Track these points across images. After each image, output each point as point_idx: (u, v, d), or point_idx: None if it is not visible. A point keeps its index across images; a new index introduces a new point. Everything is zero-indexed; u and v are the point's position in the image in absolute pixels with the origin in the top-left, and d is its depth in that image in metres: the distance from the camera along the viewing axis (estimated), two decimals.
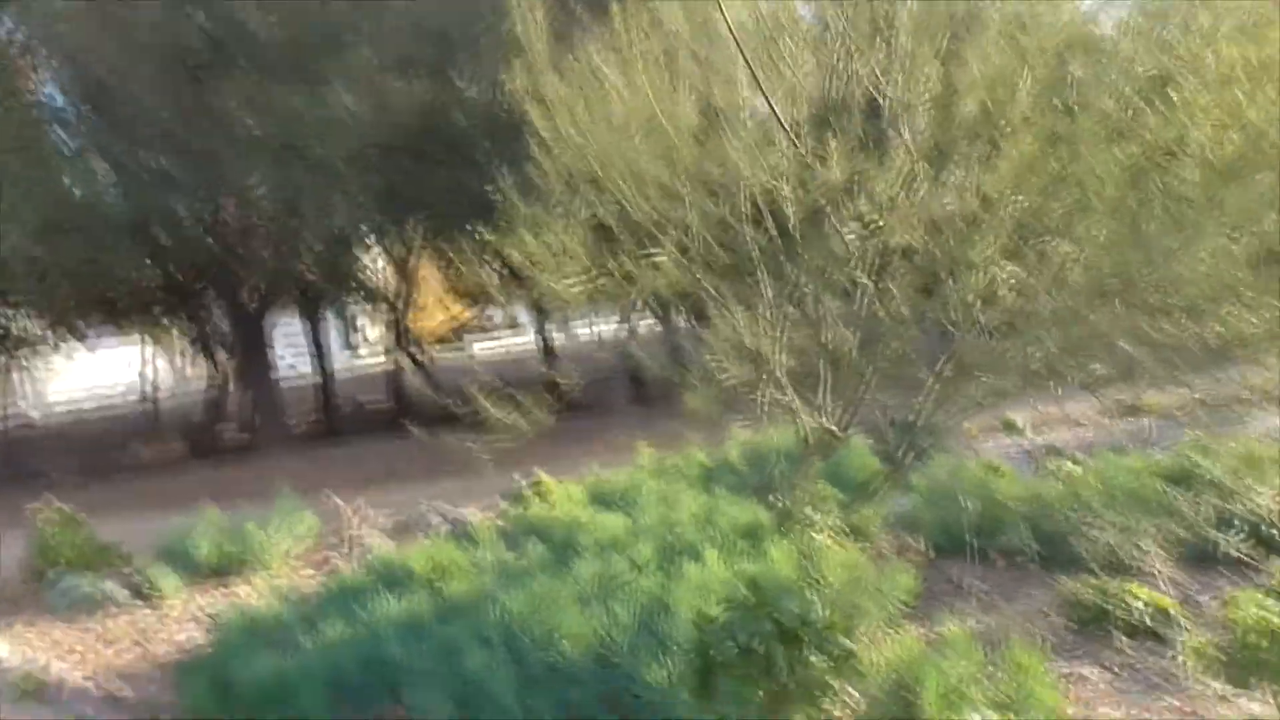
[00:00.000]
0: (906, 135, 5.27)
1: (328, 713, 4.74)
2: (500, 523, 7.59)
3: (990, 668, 3.95)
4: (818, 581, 5.14)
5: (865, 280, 5.52)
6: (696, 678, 3.34)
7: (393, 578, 5.74)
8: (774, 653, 3.07)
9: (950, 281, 5.52)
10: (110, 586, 7.52)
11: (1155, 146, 4.66)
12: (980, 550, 6.30)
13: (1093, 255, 4.70)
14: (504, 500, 9.82)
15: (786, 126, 5.28)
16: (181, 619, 6.97)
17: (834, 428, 6.00)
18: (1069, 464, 7.84)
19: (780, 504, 5.88)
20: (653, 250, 6.04)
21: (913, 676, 3.78)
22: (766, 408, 5.80)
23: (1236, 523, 5.61)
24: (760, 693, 3.10)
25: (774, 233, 5.96)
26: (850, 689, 3.14)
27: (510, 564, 5.57)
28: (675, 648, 4.33)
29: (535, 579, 5.05)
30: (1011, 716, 3.04)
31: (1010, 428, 11.22)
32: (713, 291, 6.03)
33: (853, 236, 5.49)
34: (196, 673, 5.15)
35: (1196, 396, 9.83)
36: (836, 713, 3.13)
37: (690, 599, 4.55)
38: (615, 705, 4.34)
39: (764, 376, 5.76)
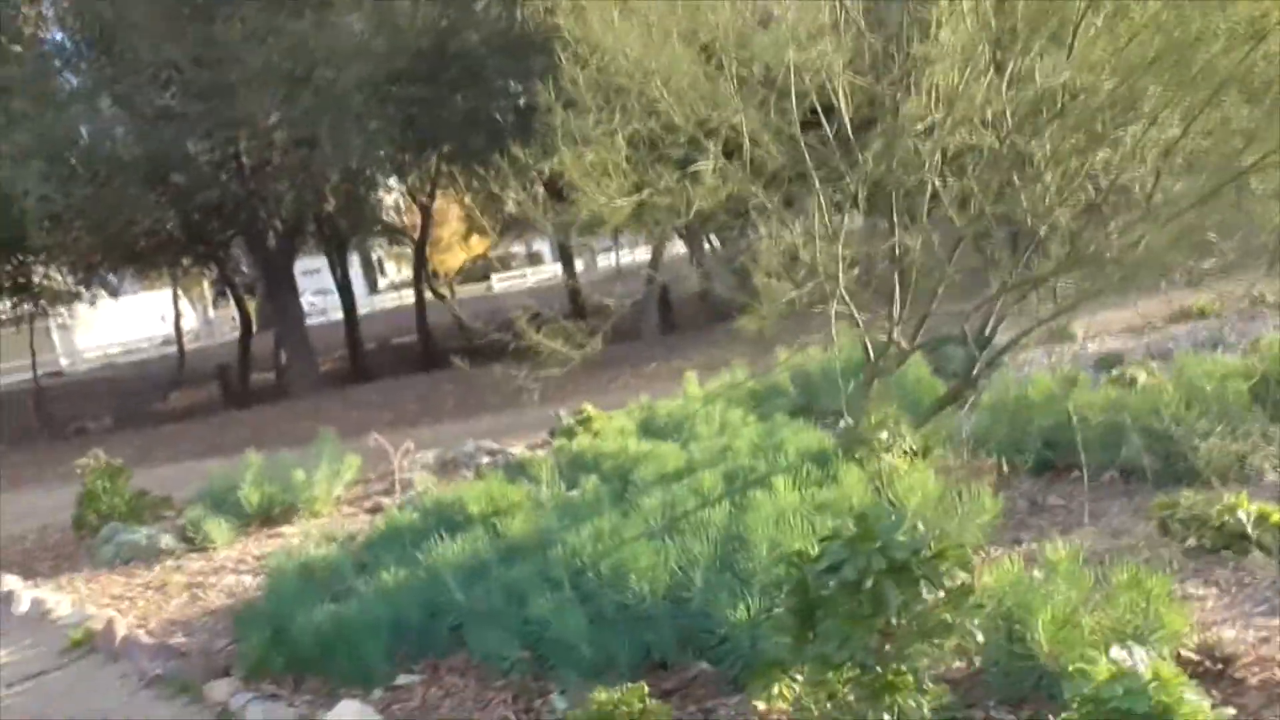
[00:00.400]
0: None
1: (388, 659, 4.56)
2: (551, 458, 7.33)
3: (1098, 593, 3.68)
4: (894, 506, 4.89)
5: (934, 180, 5.10)
6: (794, 618, 3.07)
7: (447, 518, 5.52)
8: (885, 589, 2.78)
9: (1028, 177, 5.10)
10: (160, 536, 7.40)
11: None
12: (1061, 466, 6.00)
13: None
14: (550, 435, 9.61)
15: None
16: (234, 566, 6.83)
17: (902, 341, 5.65)
18: (1140, 371, 7.48)
19: (847, 426, 5.57)
20: (697, 161, 5.64)
21: (1021, 606, 3.51)
22: (831, 322, 5.45)
23: None
24: (870, 633, 2.83)
25: (829, 133, 5.54)
26: (968, 624, 2.86)
27: (569, 500, 5.32)
28: (756, 584, 4.08)
29: (598, 515, 4.80)
30: (1152, 650, 2.77)
31: (1067, 337, 10.80)
32: (765, 201, 5.64)
33: (919, 130, 5.06)
34: (253, 620, 4.98)
35: (1260, 294, 9.37)
36: (953, 650, 2.87)
37: (765, 530, 4.29)
38: (694, 646, 4.12)
39: (827, 289, 5.39)
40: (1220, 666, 3.56)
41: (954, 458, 6.11)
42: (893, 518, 2.95)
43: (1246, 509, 4.62)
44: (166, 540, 7.39)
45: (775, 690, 3.70)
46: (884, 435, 5.43)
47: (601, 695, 3.48)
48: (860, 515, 2.91)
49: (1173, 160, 4.45)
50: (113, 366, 32.63)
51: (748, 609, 3.92)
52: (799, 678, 3.74)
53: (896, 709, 2.86)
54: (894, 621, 2.88)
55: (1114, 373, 7.81)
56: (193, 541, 7.36)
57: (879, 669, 2.88)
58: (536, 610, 4.23)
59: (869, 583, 2.82)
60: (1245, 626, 3.88)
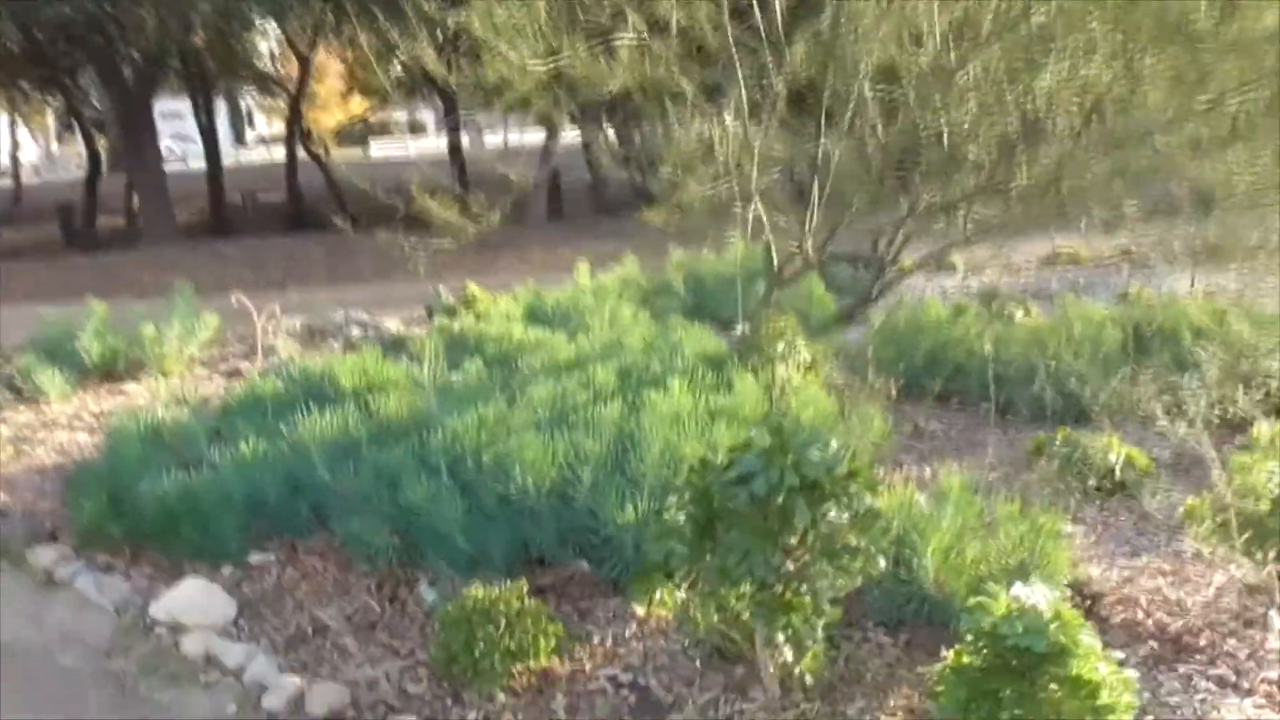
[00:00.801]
0: None
1: (241, 535, 4.23)
2: (432, 337, 6.97)
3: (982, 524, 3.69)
4: (786, 420, 4.81)
5: (865, 92, 4.90)
6: (694, 526, 2.92)
7: (315, 390, 5.13)
8: (795, 506, 2.65)
9: (953, 99, 4.96)
10: None
11: None
12: (940, 394, 6.07)
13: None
14: (427, 312, 9.19)
15: None
16: (68, 422, 6.26)
17: (811, 251, 5.51)
18: (1018, 309, 7.63)
19: (744, 333, 5.44)
20: (617, 35, 5.26)
21: (911, 531, 3.48)
22: (739, 224, 5.24)
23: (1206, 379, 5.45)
24: (775, 550, 2.71)
25: (760, 25, 5.23)
26: (873, 549, 2.78)
27: (450, 383, 5.01)
28: (646, 485, 3.93)
29: (481, 401, 4.53)
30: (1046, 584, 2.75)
31: (947, 267, 10.98)
32: (686, 90, 5.33)
33: (854, 36, 4.82)
34: (87, 483, 4.53)
35: (1129, 248, 9.69)
36: (856, 572, 2.79)
37: (659, 432, 4.13)
38: (576, 545, 3.96)
39: (738, 189, 5.17)
40: (1088, 603, 3.65)
41: (841, 376, 6.10)
42: (805, 433, 2.80)
43: (1118, 451, 4.75)
44: None
45: (658, 596, 3.59)
46: (780, 346, 5.33)
47: (478, 592, 3.28)
48: (776, 427, 2.75)
49: (1094, 102, 4.37)
50: None
51: (636, 510, 3.77)
52: (682, 586, 3.64)
53: (791, 628, 2.77)
54: (801, 541, 2.76)
55: (992, 307, 7.95)
56: (21, 393, 6.70)
57: (779, 588, 2.77)
58: (410, 496, 3.96)
59: (779, 498, 2.68)
60: (1110, 565, 3.99)
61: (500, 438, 4.11)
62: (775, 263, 5.83)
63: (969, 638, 2.66)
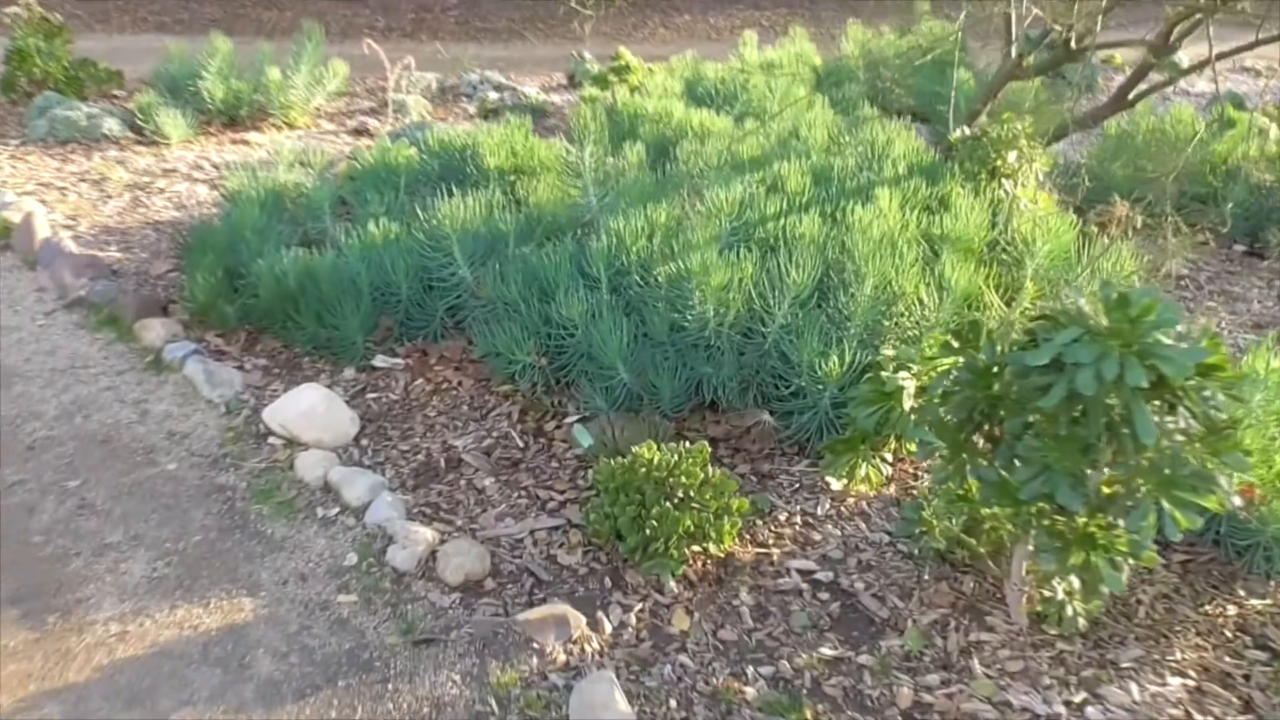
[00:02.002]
0: None
1: (366, 332, 3.65)
2: (583, 110, 6.09)
3: None
4: (1020, 248, 3.88)
5: None
6: (961, 412, 2.15)
7: (454, 165, 4.40)
8: (1138, 417, 1.84)
9: None
10: (105, 119, 6.18)
11: None
12: (1188, 224, 4.97)
13: None
14: (569, 80, 8.24)
15: None
16: (188, 171, 5.72)
17: (1074, 35, 4.33)
18: (1272, 124, 6.26)
19: (967, 135, 4.39)
20: None
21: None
22: None
23: None
24: (1090, 468, 1.93)
25: None
26: (1223, 479, 1.97)
27: (610, 172, 4.18)
28: (854, 328, 3.14)
29: (652, 201, 3.72)
30: None
31: (1171, 67, 9.31)
32: None
33: None
34: (204, 249, 3.98)
35: None
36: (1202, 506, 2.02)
37: (874, 262, 3.27)
38: (760, 393, 3.24)
39: None
40: None
41: (1066, 196, 5.03)
42: (1147, 305, 1.93)
43: None
44: (111, 125, 6.18)
45: (861, 471, 2.89)
46: (1013, 157, 4.29)
47: (651, 452, 2.62)
48: (1121, 297, 1.88)
49: None
50: None
51: (840, 360, 3.01)
52: (887, 458, 2.93)
53: (1090, 569, 2.03)
54: (1120, 457, 1.96)
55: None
56: (142, 132, 6.17)
57: (1082, 518, 2.00)
58: (565, 310, 3.27)
59: (1112, 401, 1.86)
60: None
61: (680, 252, 3.33)
62: (1014, 43, 4.67)
63: None
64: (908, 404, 2.83)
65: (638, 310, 3.35)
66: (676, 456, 2.60)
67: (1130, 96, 4.68)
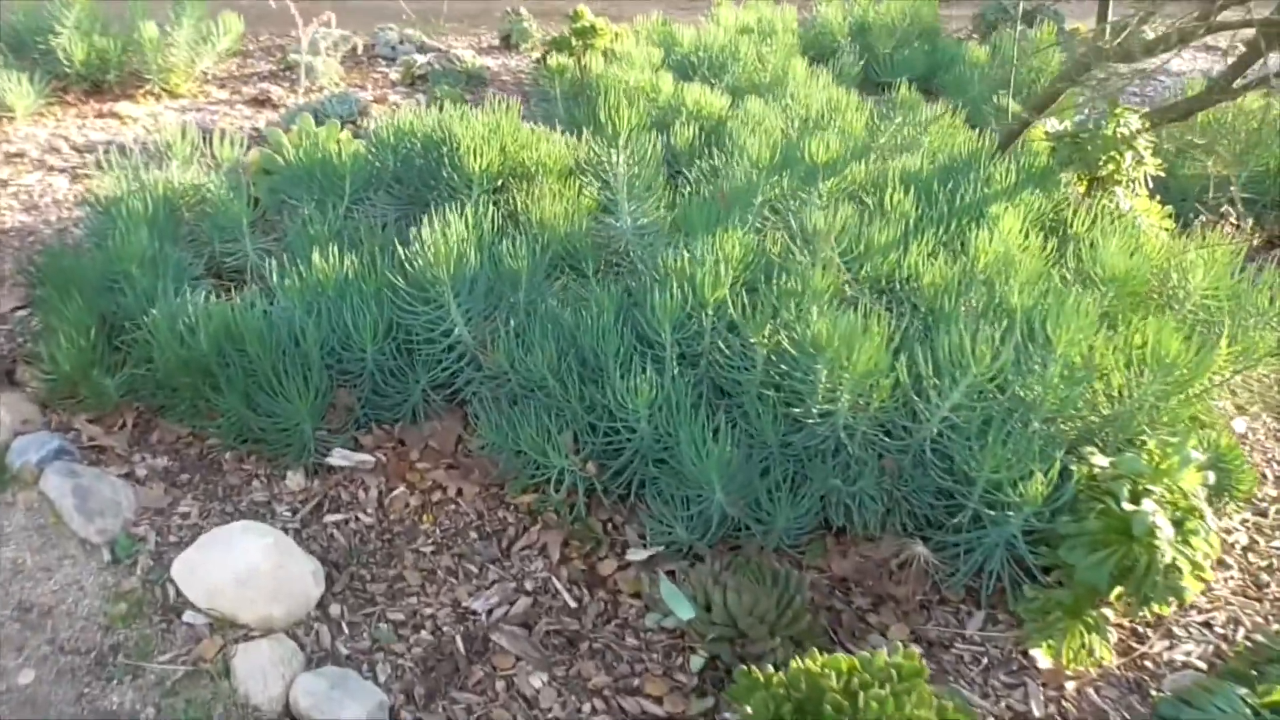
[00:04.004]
0: None
1: (317, 414, 2.55)
2: (539, 76, 4.99)
3: None
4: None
5: None
6: None
7: (415, 162, 3.26)
8: None
9: None
10: None
11: None
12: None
13: None
14: (504, 41, 7.06)
15: None
16: (40, 156, 4.38)
17: None
18: None
19: (1080, 132, 3.50)
20: None
21: None
22: None
23: None
24: None
25: None
26: None
27: (623, 172, 3.10)
28: (1038, 421, 2.23)
29: (713, 221, 2.70)
30: None
31: None
32: None
33: None
34: (66, 288, 2.76)
35: None
36: None
37: (1065, 329, 2.32)
38: (912, 512, 2.29)
39: None
40: None
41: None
42: None
43: None
44: None
45: (1081, 642, 2.00)
46: (1128, 160, 3.42)
47: (818, 664, 1.65)
48: None
49: None
50: None
51: (1047, 476, 2.08)
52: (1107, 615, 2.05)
53: None
54: None
55: None
56: None
57: None
58: (624, 398, 2.25)
59: None
60: None
61: (781, 307, 2.33)
62: (1106, 20, 3.80)
63: None
64: (1166, 552, 1.95)
65: (717, 390, 2.36)
66: (867, 673, 1.63)
67: (1235, 84, 3.87)
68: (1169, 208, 3.53)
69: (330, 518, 2.34)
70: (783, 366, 2.28)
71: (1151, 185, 3.65)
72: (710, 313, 2.40)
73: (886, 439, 2.25)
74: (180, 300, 2.62)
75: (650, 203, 2.89)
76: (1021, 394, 2.24)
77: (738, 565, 2.12)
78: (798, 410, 2.22)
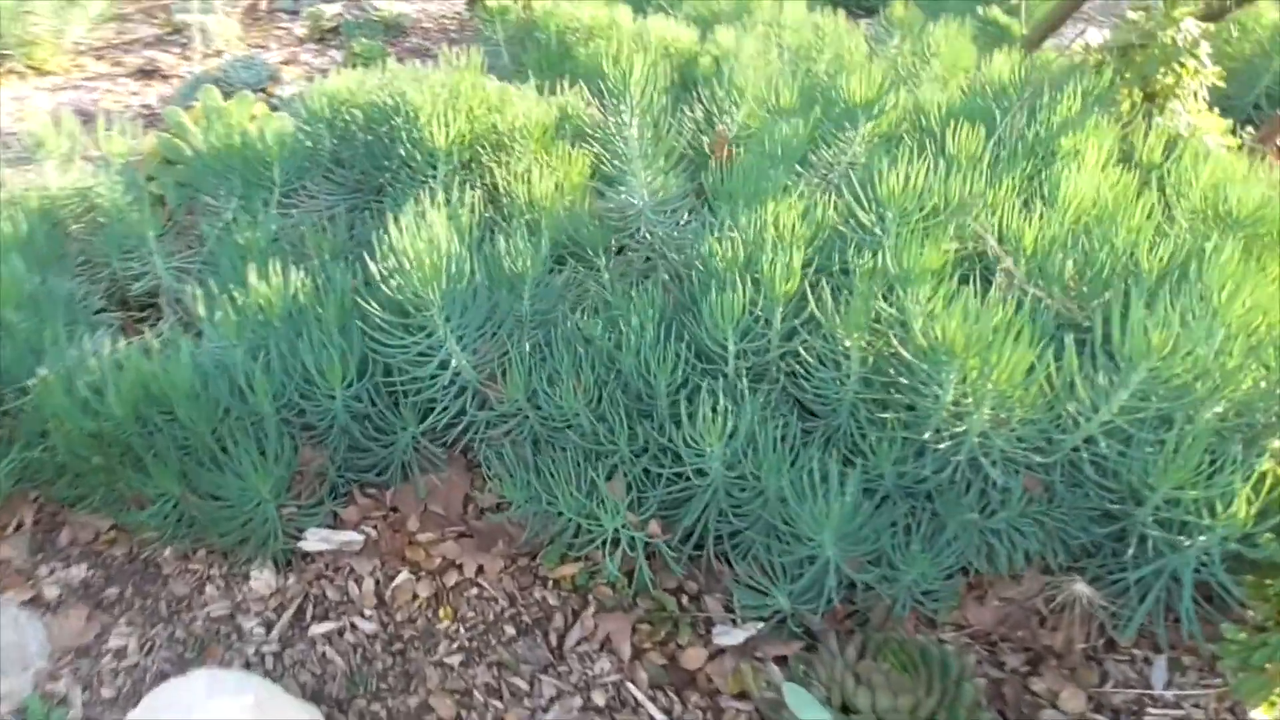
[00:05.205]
0: None
1: (280, 484, 1.95)
2: (476, 19, 4.31)
3: None
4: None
5: None
6: None
7: (357, 137, 2.62)
8: None
9: None
10: None
11: None
12: None
13: None
14: None
15: None
16: None
17: None
18: None
19: (1143, 24, 2.98)
20: None
21: None
22: None
23: None
24: None
25: None
26: None
27: (614, 130, 2.50)
28: (1200, 430, 1.76)
29: (761, 190, 2.15)
30: None
31: None
32: None
33: None
34: None
35: None
36: None
37: (1227, 303, 1.85)
38: (1060, 538, 1.82)
39: None
40: None
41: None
42: None
43: None
44: None
45: None
46: (1190, 67, 2.95)
47: None
48: None
49: None
50: None
51: (1255, 491, 1.61)
52: None
53: None
54: None
55: None
56: None
57: None
58: (694, 435, 1.72)
59: None
60: None
61: (880, 294, 1.80)
62: None
63: None
64: None
65: (802, 410, 1.84)
66: None
67: None
68: (1229, 120, 3.08)
69: (318, 629, 1.78)
70: (891, 372, 1.76)
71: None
72: (780, 311, 1.86)
73: (1035, 456, 1.75)
74: (77, 350, 1.99)
75: (671, 173, 2.31)
76: (1193, 383, 1.76)
77: (876, 645, 1.62)
78: (923, 432, 1.71)
